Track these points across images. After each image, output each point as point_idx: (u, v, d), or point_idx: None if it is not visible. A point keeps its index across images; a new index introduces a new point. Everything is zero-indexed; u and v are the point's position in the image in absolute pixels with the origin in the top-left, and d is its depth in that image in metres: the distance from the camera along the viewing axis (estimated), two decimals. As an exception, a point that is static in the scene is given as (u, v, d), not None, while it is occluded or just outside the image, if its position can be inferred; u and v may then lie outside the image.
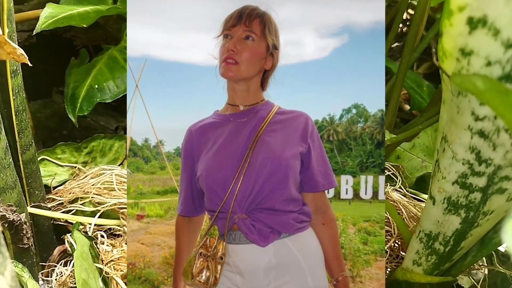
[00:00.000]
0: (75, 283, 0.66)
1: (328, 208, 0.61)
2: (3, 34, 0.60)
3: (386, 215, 0.72)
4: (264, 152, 0.56)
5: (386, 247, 0.72)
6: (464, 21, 0.39)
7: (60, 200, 0.77)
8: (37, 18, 0.77)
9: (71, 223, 0.75)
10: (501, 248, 0.74)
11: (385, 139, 0.80)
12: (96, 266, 0.66)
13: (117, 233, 0.76)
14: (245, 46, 0.57)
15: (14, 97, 0.63)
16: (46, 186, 0.77)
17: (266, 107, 0.60)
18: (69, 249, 0.72)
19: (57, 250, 0.74)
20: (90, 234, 0.73)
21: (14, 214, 0.61)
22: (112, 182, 0.79)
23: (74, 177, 0.83)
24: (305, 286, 0.56)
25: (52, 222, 0.75)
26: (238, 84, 0.59)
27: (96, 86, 0.84)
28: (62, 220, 0.76)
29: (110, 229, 0.76)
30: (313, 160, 0.59)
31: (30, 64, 0.54)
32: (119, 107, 1.04)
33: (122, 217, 0.76)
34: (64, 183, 0.82)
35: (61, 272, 0.69)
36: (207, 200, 0.58)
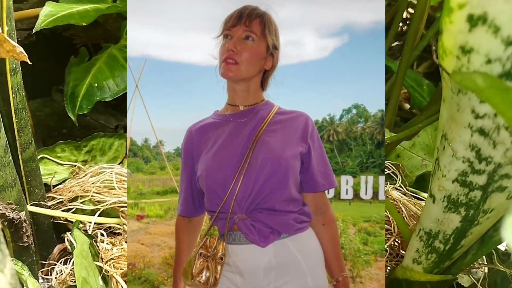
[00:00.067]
0: (75, 281, 0.66)
1: (328, 209, 0.61)
2: (3, 32, 0.59)
3: (386, 213, 0.72)
4: (264, 152, 0.56)
5: (386, 246, 0.72)
6: (464, 18, 0.39)
7: (60, 198, 0.77)
8: (36, 17, 0.77)
9: (71, 222, 0.75)
10: (501, 247, 0.74)
11: (385, 137, 0.80)
12: (96, 264, 0.66)
13: (117, 231, 0.76)
14: (245, 46, 0.57)
15: (13, 95, 0.63)
16: (46, 184, 0.77)
17: (266, 107, 0.60)
18: (69, 247, 0.72)
19: (57, 249, 0.74)
20: (90, 232, 0.73)
21: (14, 212, 0.61)
22: (112, 180, 0.79)
23: (74, 175, 0.83)
24: (305, 287, 0.56)
25: (52, 220, 0.76)
26: (238, 84, 0.59)
27: (96, 84, 0.84)
28: (62, 219, 0.76)
29: (110, 227, 0.76)
30: (313, 160, 0.59)
31: (29, 62, 0.54)
32: (119, 105, 1.04)
33: (122, 216, 0.76)
34: (64, 181, 0.82)
35: (61, 271, 0.69)
36: (207, 200, 0.58)
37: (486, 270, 0.72)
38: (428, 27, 0.99)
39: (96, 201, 0.77)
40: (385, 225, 0.73)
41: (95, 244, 0.70)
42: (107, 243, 0.70)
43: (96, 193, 0.78)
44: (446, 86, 0.45)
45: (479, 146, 0.45)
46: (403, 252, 0.71)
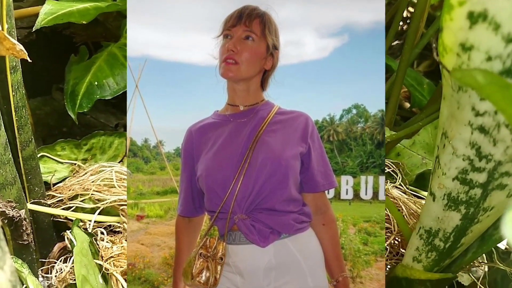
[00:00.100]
0: (74, 280, 0.66)
1: (328, 209, 0.61)
2: (3, 29, 0.59)
3: (386, 212, 0.72)
4: (264, 152, 0.56)
5: (386, 244, 0.72)
6: (465, 15, 0.39)
7: (60, 197, 0.77)
8: (36, 15, 0.77)
9: (71, 220, 0.75)
10: (501, 245, 0.74)
11: (385, 136, 0.80)
12: (95, 263, 0.66)
13: (117, 230, 0.76)
14: (245, 46, 0.57)
15: (13, 93, 0.63)
16: (46, 183, 0.77)
17: (266, 107, 0.60)
18: (69, 245, 0.71)
19: (57, 247, 0.74)
20: (90, 230, 0.73)
21: (13, 210, 0.61)
22: (112, 179, 0.79)
23: (74, 174, 0.83)
24: (305, 287, 0.56)
25: (52, 218, 0.75)
26: (238, 84, 0.59)
27: (96, 83, 0.84)
28: (62, 217, 0.76)
29: (110, 226, 0.76)
30: (313, 160, 0.59)
31: (29, 60, 0.54)
32: (119, 104, 1.04)
33: (122, 214, 0.76)
34: (64, 180, 0.82)
35: (61, 269, 0.69)
36: (207, 200, 0.58)
37: (486, 269, 0.72)
38: (428, 26, 0.99)
39: (96, 200, 0.77)
40: (385, 224, 0.73)
41: (95, 242, 0.70)
42: (107, 242, 0.70)
43: (96, 191, 0.77)
44: (446, 84, 0.45)
45: (479, 143, 0.45)
46: (403, 250, 0.71)
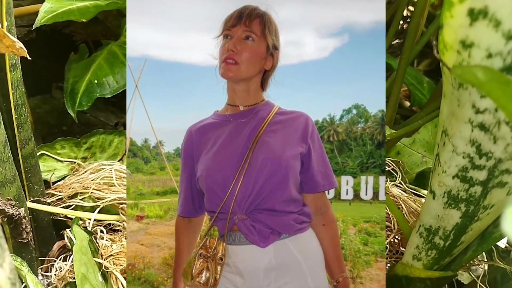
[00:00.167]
0: (74, 278, 0.65)
1: (328, 209, 0.61)
2: (2, 27, 0.59)
3: (386, 210, 0.72)
4: (264, 153, 0.56)
5: (385, 243, 0.72)
6: (465, 12, 0.38)
7: (59, 195, 0.77)
8: (36, 13, 0.77)
9: (71, 219, 0.75)
10: (501, 244, 0.74)
11: (385, 134, 0.80)
12: (95, 261, 0.66)
13: (117, 228, 0.76)
14: (245, 46, 0.57)
15: (13, 91, 0.63)
16: (45, 181, 0.77)
17: (266, 107, 0.60)
18: (68, 244, 0.71)
19: (56, 245, 0.74)
20: (89, 229, 0.73)
21: (13, 209, 0.61)
22: (112, 177, 0.79)
23: (73, 172, 0.83)
24: (305, 287, 0.56)
25: (51, 217, 0.75)
26: (238, 85, 0.59)
27: (96, 81, 0.84)
28: (61, 215, 0.76)
29: (109, 224, 0.76)
30: (313, 160, 0.58)
31: (29, 58, 0.54)
32: (118, 103, 1.04)
33: (121, 213, 0.76)
34: (63, 178, 0.82)
35: (61, 267, 0.69)
36: (207, 200, 0.58)
37: (486, 267, 0.72)
38: (428, 25, 0.99)
39: (95, 198, 0.77)
40: (385, 216, 0.73)
41: (94, 240, 0.70)
42: (106, 240, 0.70)
43: (96, 190, 0.77)
44: (446, 81, 0.45)
45: (479, 141, 0.45)
46: (403, 249, 0.71)
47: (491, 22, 0.38)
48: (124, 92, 0.85)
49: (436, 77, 1.13)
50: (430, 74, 1.20)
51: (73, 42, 0.99)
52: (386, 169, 0.82)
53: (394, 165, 0.82)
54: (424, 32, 0.95)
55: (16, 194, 0.64)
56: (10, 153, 0.62)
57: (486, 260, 0.72)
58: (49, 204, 0.75)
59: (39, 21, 0.75)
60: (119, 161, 0.86)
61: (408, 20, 1.31)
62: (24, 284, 0.61)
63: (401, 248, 0.72)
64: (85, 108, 0.83)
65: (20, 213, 0.62)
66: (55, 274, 0.68)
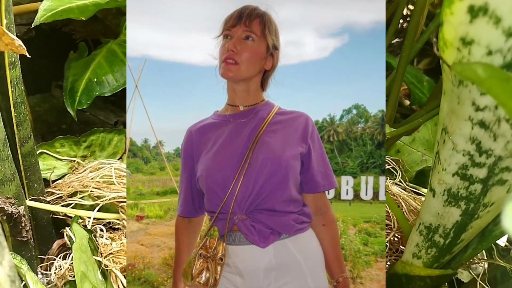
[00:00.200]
0: (74, 277, 0.65)
1: (328, 209, 0.61)
2: (1, 25, 0.59)
3: (386, 208, 0.72)
4: (264, 153, 0.56)
5: (385, 241, 0.72)
6: (465, 9, 0.38)
7: (59, 193, 0.77)
8: (35, 11, 0.77)
9: (70, 217, 0.75)
10: (501, 242, 0.74)
11: (385, 132, 0.80)
12: (95, 259, 0.66)
13: (116, 227, 0.76)
14: (245, 46, 0.57)
15: (12, 89, 0.63)
16: (45, 179, 0.77)
17: (266, 107, 0.60)
18: (68, 242, 0.71)
19: (56, 244, 0.74)
20: (89, 227, 0.73)
21: (12, 207, 0.61)
22: (111, 176, 0.79)
23: (73, 170, 0.82)
24: (305, 287, 0.56)
25: (51, 215, 0.75)
26: (238, 85, 0.59)
27: (95, 79, 0.84)
28: (61, 214, 0.76)
29: (109, 223, 0.76)
30: (313, 160, 0.58)
31: (28, 56, 0.54)
32: (118, 101, 1.04)
33: (121, 211, 0.76)
34: (63, 176, 0.82)
35: (60, 266, 0.68)
36: (207, 200, 0.58)
37: (486, 266, 0.72)
38: (428, 24, 0.99)
39: (95, 196, 0.77)
40: (385, 216, 0.73)
41: (94, 239, 0.70)
42: (106, 238, 0.70)
43: (96, 188, 0.77)
44: (446, 79, 0.45)
45: (479, 139, 0.45)
46: (403, 247, 0.71)
47: (491, 19, 0.38)
48: (124, 90, 0.85)
49: (436, 76, 1.13)
50: (430, 73, 1.20)
51: (72, 40, 0.98)
52: (386, 168, 0.82)
53: (394, 163, 0.82)
54: (424, 30, 0.95)
55: (15, 192, 0.63)
56: (9, 151, 0.62)
57: (486, 258, 0.72)
58: (48, 202, 0.74)
59: (38, 19, 0.75)
60: (118, 159, 0.86)
61: (408, 19, 1.31)
62: (23, 282, 0.61)
63: (401, 246, 0.72)
64: (84, 107, 0.83)
65: (19, 211, 0.62)
66: (54, 273, 0.68)
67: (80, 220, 0.73)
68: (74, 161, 0.84)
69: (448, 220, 0.54)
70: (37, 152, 0.76)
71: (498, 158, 0.45)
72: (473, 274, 0.72)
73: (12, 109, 0.64)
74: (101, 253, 0.67)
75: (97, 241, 0.69)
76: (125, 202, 0.76)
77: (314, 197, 0.59)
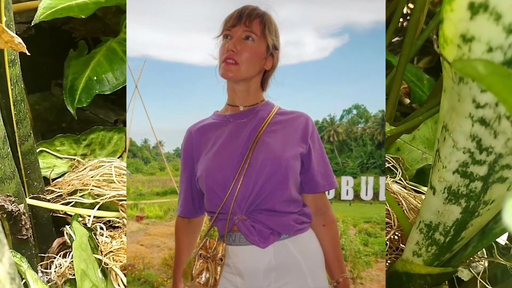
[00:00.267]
0: (74, 275, 0.65)
1: (328, 209, 0.61)
2: (1, 22, 0.59)
3: (386, 207, 0.72)
4: (264, 153, 0.56)
5: (385, 239, 0.72)
6: (465, 6, 0.38)
7: (59, 192, 0.77)
8: (35, 9, 0.77)
9: (70, 216, 0.75)
10: (502, 241, 0.74)
11: (385, 130, 0.80)
12: (95, 257, 0.66)
13: (116, 225, 0.76)
14: (245, 46, 0.57)
15: (12, 87, 0.63)
16: (45, 178, 0.77)
17: (266, 107, 0.60)
18: (68, 241, 0.71)
19: (56, 242, 0.74)
20: (89, 226, 0.73)
21: (12, 205, 0.61)
22: (111, 174, 0.79)
23: (73, 169, 0.82)
24: None
25: (51, 214, 0.75)
26: (238, 85, 0.59)
27: (95, 78, 0.84)
28: (61, 212, 0.76)
29: (109, 221, 0.76)
30: (313, 161, 0.58)
31: (28, 53, 0.54)
32: (118, 100, 1.04)
33: (121, 209, 0.76)
34: (63, 175, 0.82)
35: (60, 264, 0.68)
36: (207, 201, 0.58)
37: (486, 264, 0.72)
38: (428, 22, 0.99)
39: (95, 195, 0.77)
40: (385, 219, 0.73)
41: (94, 237, 0.70)
42: (106, 237, 0.70)
43: (96, 186, 0.77)
44: (447, 76, 0.45)
45: (479, 136, 0.45)
46: (403, 246, 0.71)
47: (491, 16, 0.38)
48: (124, 89, 0.85)
49: (436, 74, 1.13)
50: (430, 71, 1.20)
51: (72, 39, 0.98)
52: (386, 166, 0.82)
53: (394, 161, 0.82)
54: (424, 29, 0.95)
55: (15, 191, 0.63)
56: (9, 149, 0.62)
57: (486, 256, 0.72)
58: (48, 200, 0.74)
59: (38, 17, 0.75)
60: (118, 158, 0.86)
61: (408, 17, 1.31)
62: (24, 281, 0.61)
63: (401, 245, 0.72)
64: (84, 105, 0.82)
65: (19, 210, 0.62)
66: (55, 271, 0.68)
67: (80, 219, 0.73)
68: (74, 159, 0.84)
69: (449, 218, 0.54)
70: (37, 151, 0.76)
71: (499, 155, 0.45)
72: (473, 272, 0.72)
73: (12, 107, 0.64)
74: (101, 251, 0.67)
75: (97, 239, 0.69)
76: (125, 200, 0.76)
77: (314, 197, 0.59)
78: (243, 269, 0.56)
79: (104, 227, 0.73)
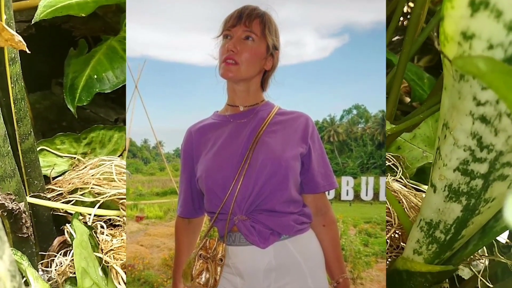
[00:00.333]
0: (74, 273, 0.65)
1: (328, 210, 0.61)
2: (1, 20, 0.59)
3: (386, 205, 0.72)
4: (264, 153, 0.56)
5: (386, 238, 0.72)
6: (466, 3, 0.38)
7: (59, 190, 0.77)
8: (35, 8, 0.77)
9: (71, 214, 0.75)
10: (502, 239, 0.74)
11: (386, 129, 0.80)
12: (95, 255, 0.66)
13: (117, 223, 0.76)
14: (245, 46, 0.57)
15: (12, 85, 0.63)
16: (45, 176, 0.77)
17: (266, 107, 0.60)
18: (68, 239, 0.71)
19: (56, 241, 0.74)
20: (89, 224, 0.73)
21: (13, 203, 0.61)
22: (112, 173, 0.79)
23: (73, 167, 0.82)
24: None
25: (51, 212, 0.75)
26: (238, 85, 0.59)
27: (95, 76, 0.84)
28: (61, 211, 0.76)
29: (109, 219, 0.76)
30: (314, 161, 0.58)
31: (28, 51, 0.54)
32: (118, 99, 1.04)
33: (121, 208, 0.76)
34: (63, 173, 0.82)
35: (61, 262, 0.68)
36: (207, 201, 0.58)
37: (487, 262, 0.72)
38: (428, 21, 0.99)
39: (95, 193, 0.77)
40: (385, 217, 0.73)
41: (94, 235, 0.70)
42: (106, 235, 0.70)
43: (96, 185, 0.77)
44: (447, 74, 0.45)
45: (480, 134, 0.45)
46: (404, 244, 0.71)
47: (492, 13, 0.38)
48: (124, 88, 0.85)
49: (436, 73, 1.13)
50: (430, 70, 1.20)
51: (72, 37, 0.98)
52: (387, 164, 0.82)
53: (394, 160, 0.82)
54: (424, 27, 0.95)
55: (16, 189, 0.63)
56: (9, 148, 0.62)
57: (486, 255, 0.72)
58: (49, 199, 0.74)
59: (38, 15, 0.75)
60: (119, 156, 0.86)
61: (408, 16, 1.31)
62: (24, 279, 0.61)
63: (401, 243, 0.72)
64: (84, 103, 0.82)
65: (20, 208, 0.62)
66: (55, 269, 0.68)
67: (80, 217, 0.73)
68: (75, 158, 0.84)
69: (449, 216, 0.54)
70: (38, 149, 0.76)
71: (499, 153, 0.45)
72: (474, 270, 0.72)
73: (12, 105, 0.64)
74: (102, 250, 0.67)
75: (97, 238, 0.69)
76: (125, 198, 0.76)
77: (314, 197, 0.59)
78: (243, 269, 0.56)
79: (105, 226, 0.73)
